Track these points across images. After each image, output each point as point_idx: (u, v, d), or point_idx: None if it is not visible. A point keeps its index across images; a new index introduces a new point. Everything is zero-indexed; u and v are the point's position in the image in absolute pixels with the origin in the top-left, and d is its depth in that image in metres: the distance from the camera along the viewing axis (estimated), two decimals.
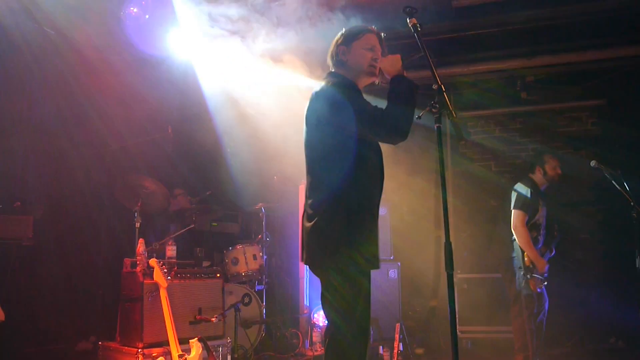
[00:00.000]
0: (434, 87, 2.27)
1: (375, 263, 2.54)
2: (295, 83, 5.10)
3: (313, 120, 2.62)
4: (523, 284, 4.66)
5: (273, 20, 4.52)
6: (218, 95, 5.64)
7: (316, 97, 2.63)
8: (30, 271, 4.68)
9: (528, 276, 4.64)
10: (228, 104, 5.60)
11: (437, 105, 2.24)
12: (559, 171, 4.95)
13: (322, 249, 2.48)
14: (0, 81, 4.83)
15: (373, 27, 2.79)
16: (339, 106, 2.51)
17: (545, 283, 4.73)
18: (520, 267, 4.69)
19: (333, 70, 2.79)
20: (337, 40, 2.78)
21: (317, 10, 4.62)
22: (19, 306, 4.34)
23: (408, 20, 2.37)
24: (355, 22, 5.39)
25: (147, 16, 5.11)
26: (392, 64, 2.60)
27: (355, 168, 2.52)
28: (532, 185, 4.86)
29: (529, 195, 4.76)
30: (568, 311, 5.27)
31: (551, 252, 4.93)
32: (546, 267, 4.69)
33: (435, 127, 2.24)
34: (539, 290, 4.69)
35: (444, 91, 2.25)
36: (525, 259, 4.67)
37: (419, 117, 2.37)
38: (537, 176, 4.95)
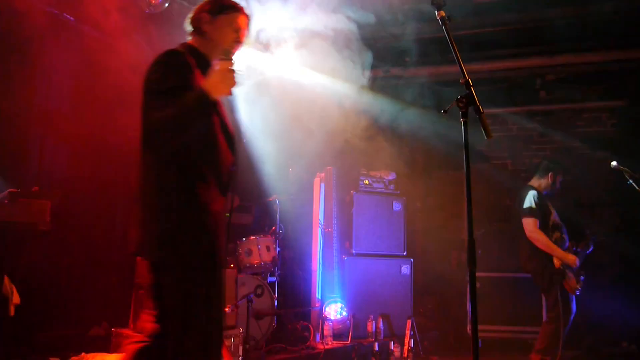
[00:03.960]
0: (461, 81, 2.23)
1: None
2: (314, 71, 5.09)
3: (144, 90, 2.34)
4: (560, 289, 4.62)
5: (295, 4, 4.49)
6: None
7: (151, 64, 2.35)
8: (45, 256, 4.70)
9: (562, 279, 4.61)
10: (244, 93, 5.59)
11: (464, 100, 2.20)
12: (559, 186, 4.96)
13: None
14: (18, 67, 4.84)
15: (244, 8, 2.56)
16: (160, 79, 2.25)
17: (581, 284, 4.70)
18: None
19: (187, 42, 2.53)
20: (203, 7, 2.50)
21: None
22: (34, 290, 4.36)
23: (436, 13, 2.33)
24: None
25: (166, 4, 5.11)
26: (223, 80, 2.27)
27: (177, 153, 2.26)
28: (535, 191, 4.83)
29: (534, 202, 4.73)
30: (581, 314, 5.21)
31: (588, 248, 4.89)
32: (577, 260, 4.67)
33: (462, 122, 2.20)
34: (577, 292, 4.66)
35: (472, 85, 2.20)
36: (555, 261, 4.63)
37: (445, 111, 2.32)
38: (543, 182, 4.92)
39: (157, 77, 2.27)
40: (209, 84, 2.24)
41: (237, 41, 2.51)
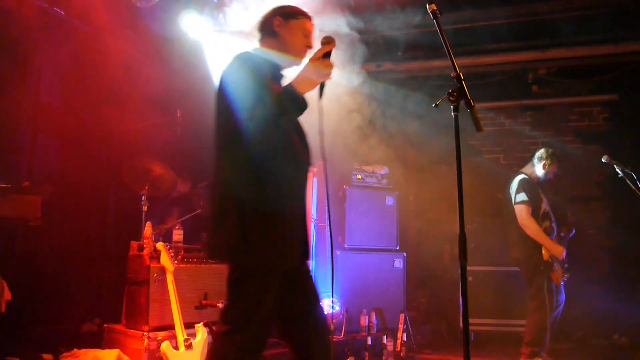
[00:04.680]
0: (453, 75, 2.22)
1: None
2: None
3: (218, 95, 2.42)
4: (545, 279, 4.65)
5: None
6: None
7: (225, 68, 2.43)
8: (36, 252, 4.68)
9: (550, 271, 4.64)
10: None
11: (455, 94, 2.19)
12: (552, 177, 4.96)
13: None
14: (8, 63, 4.80)
15: (310, 16, 2.64)
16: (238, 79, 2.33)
17: (567, 275, 4.73)
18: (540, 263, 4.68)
19: (259, 45, 2.63)
20: (274, 12, 2.60)
21: None
22: (25, 286, 4.34)
23: (428, 6, 2.32)
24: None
25: None
26: (317, 72, 2.29)
27: (252, 155, 2.31)
28: (527, 179, 4.86)
29: (525, 189, 4.75)
30: (572, 307, 5.26)
31: (570, 232, 4.93)
32: (564, 252, 4.70)
33: (453, 116, 2.20)
34: (562, 282, 4.69)
35: (463, 79, 2.20)
36: (544, 252, 4.65)
37: (436, 105, 2.32)
38: (536, 170, 4.93)
39: (237, 78, 2.33)
40: (301, 76, 2.28)
41: (308, 46, 2.59)
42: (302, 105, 2.28)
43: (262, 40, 2.61)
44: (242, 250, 2.26)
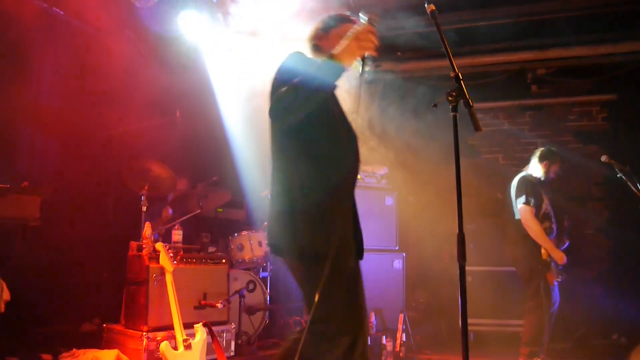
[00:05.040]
0: (452, 74, 2.22)
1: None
2: None
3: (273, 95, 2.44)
4: (542, 279, 4.65)
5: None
6: (226, 79, 5.61)
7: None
8: (36, 252, 4.68)
9: (546, 269, 4.64)
10: (236, 88, 5.58)
11: (454, 94, 2.20)
12: (554, 176, 4.96)
13: None
14: (7, 63, 4.80)
15: (355, 18, 2.64)
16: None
17: (563, 275, 4.73)
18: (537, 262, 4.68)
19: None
20: (317, 26, 2.69)
21: None
22: (24, 286, 4.33)
23: (427, 6, 2.33)
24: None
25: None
26: (358, 44, 2.30)
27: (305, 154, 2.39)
28: (530, 178, 4.86)
29: (528, 190, 4.74)
30: (572, 306, 5.27)
31: (564, 243, 4.92)
32: (564, 258, 4.69)
33: (452, 116, 2.20)
34: (555, 283, 4.69)
35: (461, 79, 2.20)
36: (543, 251, 4.65)
37: (435, 106, 2.32)
38: (537, 169, 4.92)
39: (284, 75, 2.37)
40: (343, 48, 2.27)
41: None
42: (338, 71, 2.27)
43: (312, 54, 2.67)
44: (298, 246, 2.33)
